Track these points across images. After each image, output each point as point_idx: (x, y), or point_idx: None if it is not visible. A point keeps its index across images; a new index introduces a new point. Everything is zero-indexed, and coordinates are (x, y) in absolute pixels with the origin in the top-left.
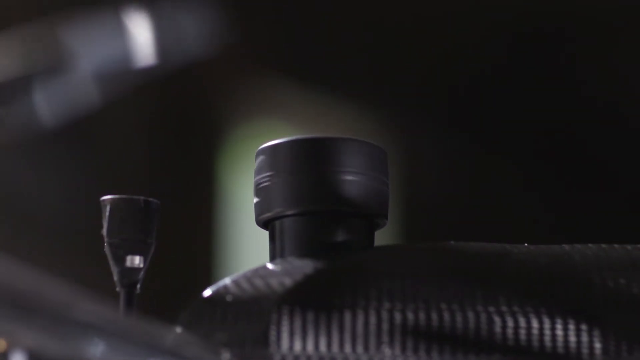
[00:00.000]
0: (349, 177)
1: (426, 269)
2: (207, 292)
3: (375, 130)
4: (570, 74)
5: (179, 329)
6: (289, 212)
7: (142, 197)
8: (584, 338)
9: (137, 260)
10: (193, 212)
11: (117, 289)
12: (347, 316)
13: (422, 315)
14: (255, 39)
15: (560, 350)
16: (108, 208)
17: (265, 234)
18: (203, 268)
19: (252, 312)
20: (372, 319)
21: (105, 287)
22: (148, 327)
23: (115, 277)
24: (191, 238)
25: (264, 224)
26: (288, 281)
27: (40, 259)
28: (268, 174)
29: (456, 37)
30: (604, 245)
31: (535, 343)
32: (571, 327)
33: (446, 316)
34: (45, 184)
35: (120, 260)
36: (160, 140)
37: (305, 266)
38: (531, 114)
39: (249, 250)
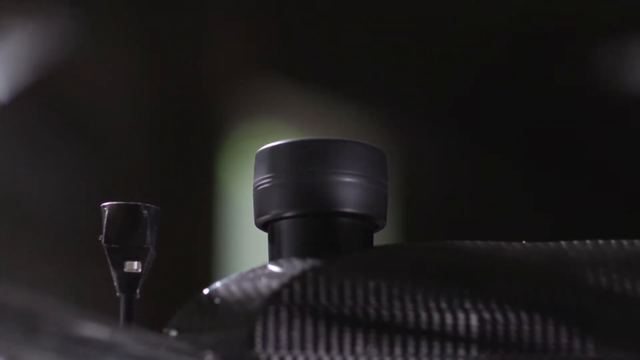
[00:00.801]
0: (348, 179)
1: (416, 268)
2: (197, 296)
3: (375, 130)
4: (570, 74)
5: (170, 333)
6: (288, 214)
7: (140, 203)
8: (576, 335)
9: (135, 266)
10: (193, 213)
11: (117, 294)
12: (334, 316)
13: (410, 314)
14: (256, 39)
15: (552, 347)
16: (107, 214)
17: (264, 235)
18: (203, 269)
19: (239, 315)
20: (359, 319)
21: (106, 288)
22: (139, 335)
23: (115, 282)
24: (191, 239)
25: (263, 225)
26: (275, 283)
27: (40, 260)
28: (267, 175)
29: (456, 37)
30: (600, 242)
31: (527, 340)
32: (563, 324)
33: (435, 314)
34: (46, 184)
35: (119, 266)
36: (160, 140)
37: (293, 268)
38: (531, 114)
39: (248, 252)
